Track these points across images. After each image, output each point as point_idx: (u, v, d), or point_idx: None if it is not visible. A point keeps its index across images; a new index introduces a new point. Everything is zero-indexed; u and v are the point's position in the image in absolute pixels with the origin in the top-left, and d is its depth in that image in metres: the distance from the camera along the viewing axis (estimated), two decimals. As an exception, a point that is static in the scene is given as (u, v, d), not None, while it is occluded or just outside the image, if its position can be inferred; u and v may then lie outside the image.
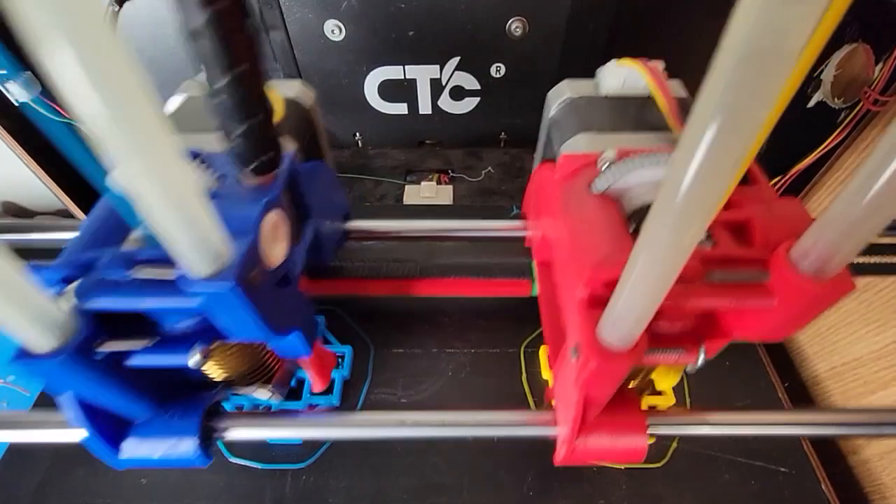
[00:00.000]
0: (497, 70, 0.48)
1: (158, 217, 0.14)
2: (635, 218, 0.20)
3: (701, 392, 0.36)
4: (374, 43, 0.46)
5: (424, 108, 0.50)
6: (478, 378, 0.37)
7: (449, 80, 0.48)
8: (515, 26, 0.44)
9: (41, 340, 0.17)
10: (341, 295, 0.41)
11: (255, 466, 0.33)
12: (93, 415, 0.21)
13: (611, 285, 0.16)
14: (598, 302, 0.17)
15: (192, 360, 0.20)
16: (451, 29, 0.44)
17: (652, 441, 0.23)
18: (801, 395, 0.70)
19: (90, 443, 0.21)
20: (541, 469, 0.32)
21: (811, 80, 0.45)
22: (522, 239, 0.29)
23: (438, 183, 0.52)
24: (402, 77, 0.48)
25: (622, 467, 0.33)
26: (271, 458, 0.33)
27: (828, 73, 0.43)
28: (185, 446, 0.23)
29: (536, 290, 0.30)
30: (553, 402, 0.24)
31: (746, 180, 0.22)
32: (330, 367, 0.29)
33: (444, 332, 0.39)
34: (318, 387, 0.29)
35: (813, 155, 0.46)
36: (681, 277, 0.14)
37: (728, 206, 0.21)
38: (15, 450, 0.33)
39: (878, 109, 0.40)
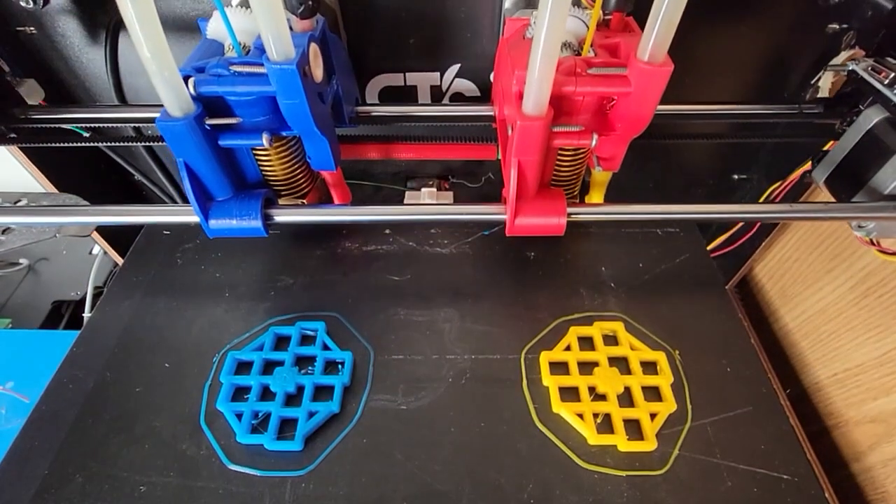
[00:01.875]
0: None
1: (263, 20, 0.26)
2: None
3: (701, 398, 0.36)
4: (375, 49, 0.46)
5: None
6: (478, 384, 0.36)
7: (449, 86, 0.48)
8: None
9: (176, 111, 0.29)
10: (342, 301, 0.41)
11: (253, 474, 0.32)
12: (195, 187, 0.33)
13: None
14: (520, 96, 0.28)
15: (265, 140, 0.32)
16: (451, 36, 0.45)
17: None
18: (804, 400, 0.70)
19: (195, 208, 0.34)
20: (541, 476, 0.32)
21: (808, 87, 0.45)
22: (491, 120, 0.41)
23: (439, 189, 0.52)
24: (403, 84, 0.48)
25: (623, 475, 0.32)
26: (270, 466, 0.33)
27: (825, 81, 0.44)
28: (253, 222, 0.35)
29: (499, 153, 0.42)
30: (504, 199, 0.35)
31: (627, 29, 0.34)
32: (348, 194, 0.43)
33: (445, 338, 0.39)
34: (337, 199, 0.43)
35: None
36: (569, 72, 0.29)
37: (606, 36, 0.33)
38: (12, 455, 0.33)
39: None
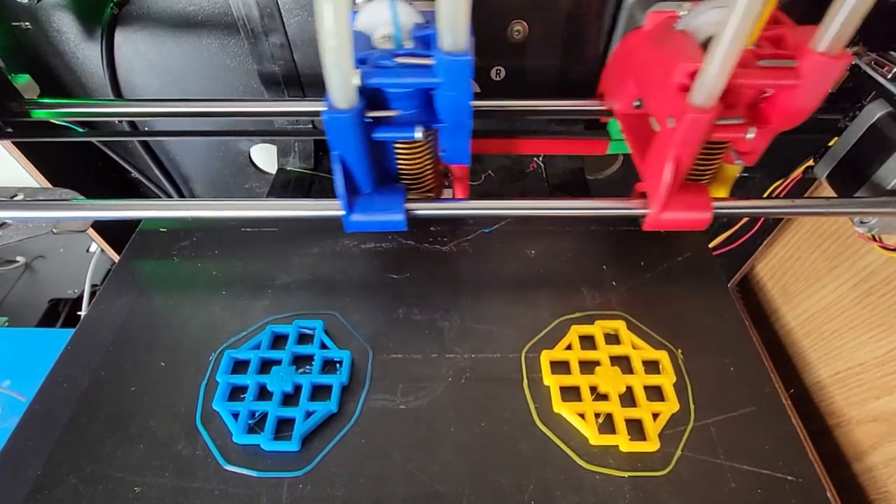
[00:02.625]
0: (497, 73, 0.47)
1: (445, 10, 0.26)
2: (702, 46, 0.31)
3: (704, 398, 0.35)
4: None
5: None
6: (478, 383, 0.36)
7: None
8: (516, 30, 0.44)
9: (343, 103, 0.29)
10: (340, 299, 0.41)
11: (250, 474, 0.32)
12: (346, 181, 0.34)
13: (692, 76, 0.28)
14: (683, 88, 0.29)
15: (417, 133, 0.32)
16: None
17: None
18: (806, 399, 0.69)
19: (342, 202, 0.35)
20: (542, 477, 0.32)
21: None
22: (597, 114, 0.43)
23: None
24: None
25: (626, 475, 0.32)
26: (267, 466, 0.32)
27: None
28: (396, 215, 0.35)
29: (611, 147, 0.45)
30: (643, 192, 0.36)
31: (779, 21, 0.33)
32: (468, 188, 0.43)
33: (444, 337, 0.38)
34: (458, 193, 0.43)
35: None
36: (740, 63, 0.26)
37: (769, 29, 0.32)
38: (5, 455, 0.33)
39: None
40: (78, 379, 0.36)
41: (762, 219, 0.62)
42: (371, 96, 0.31)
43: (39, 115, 0.43)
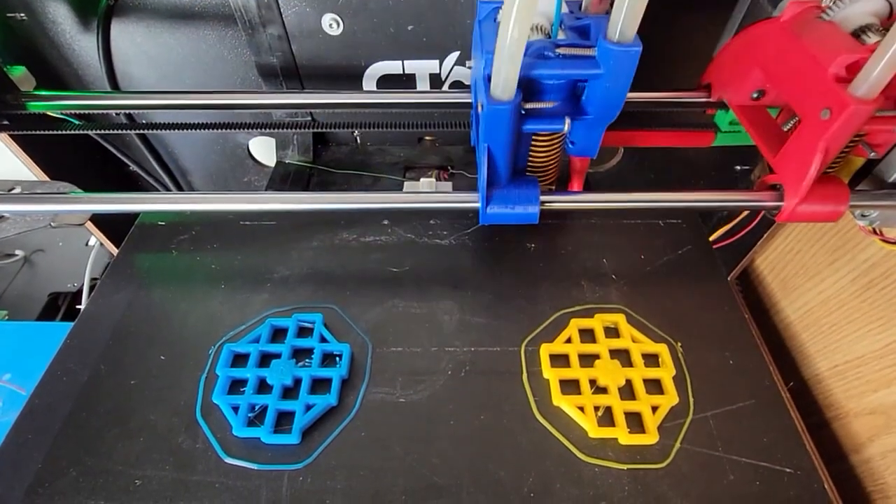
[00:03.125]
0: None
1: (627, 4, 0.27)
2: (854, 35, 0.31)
3: (704, 391, 0.35)
4: (373, 37, 0.45)
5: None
6: (478, 377, 0.36)
7: (448, 74, 0.48)
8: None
9: (505, 95, 0.29)
10: (339, 293, 0.41)
11: (250, 467, 0.32)
12: (489, 174, 0.34)
13: (850, 68, 0.29)
14: (841, 79, 0.29)
15: (567, 125, 0.32)
16: (450, 23, 0.44)
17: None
18: (804, 392, 0.70)
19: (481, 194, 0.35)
20: (541, 469, 0.32)
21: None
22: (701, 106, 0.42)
23: (438, 179, 0.51)
24: (402, 72, 0.47)
25: (625, 468, 0.32)
26: (267, 459, 0.32)
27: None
28: (531, 208, 0.35)
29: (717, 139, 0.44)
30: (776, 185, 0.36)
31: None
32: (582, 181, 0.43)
33: (444, 331, 0.38)
34: (576, 186, 0.43)
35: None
36: None
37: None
38: (5, 448, 0.33)
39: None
40: (77, 373, 0.36)
41: (762, 212, 0.62)
42: (526, 88, 0.31)
43: (36, 107, 0.43)
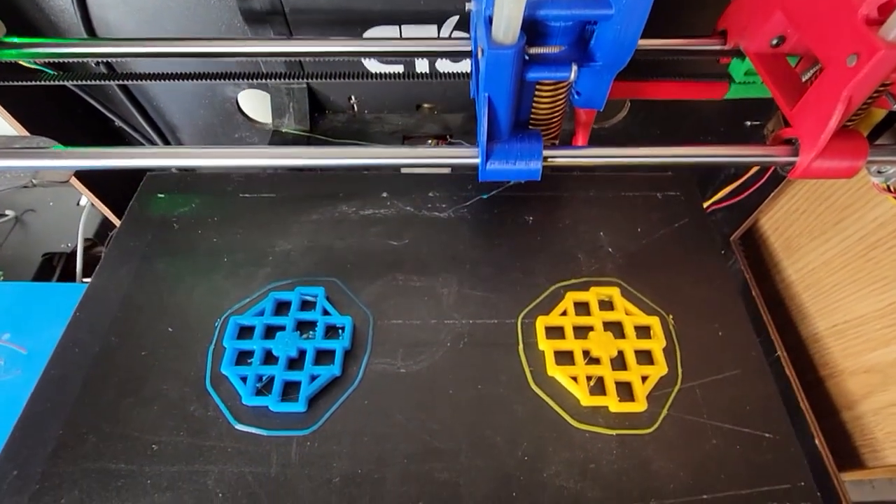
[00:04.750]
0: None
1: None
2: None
3: (692, 362, 0.37)
4: (370, 1, 0.43)
5: (422, 70, 0.48)
6: (475, 348, 0.37)
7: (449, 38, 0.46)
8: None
9: (507, 38, 0.27)
10: (340, 266, 0.41)
11: (260, 433, 0.34)
12: (489, 126, 0.31)
13: (882, 8, 0.27)
14: (873, 21, 0.27)
15: (573, 72, 0.30)
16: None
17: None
18: (800, 351, 0.71)
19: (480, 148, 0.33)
20: (535, 435, 0.34)
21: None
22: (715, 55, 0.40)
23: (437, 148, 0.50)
24: (399, 37, 0.46)
25: (613, 433, 0.34)
26: (276, 425, 0.34)
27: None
28: (534, 164, 0.33)
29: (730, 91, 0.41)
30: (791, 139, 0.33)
31: None
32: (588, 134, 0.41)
33: (443, 304, 0.39)
34: (581, 140, 0.40)
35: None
36: None
37: None
38: (26, 416, 0.35)
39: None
40: (90, 344, 0.38)
41: (772, 168, 0.61)
42: (530, 30, 0.29)
43: (7, 55, 0.39)
